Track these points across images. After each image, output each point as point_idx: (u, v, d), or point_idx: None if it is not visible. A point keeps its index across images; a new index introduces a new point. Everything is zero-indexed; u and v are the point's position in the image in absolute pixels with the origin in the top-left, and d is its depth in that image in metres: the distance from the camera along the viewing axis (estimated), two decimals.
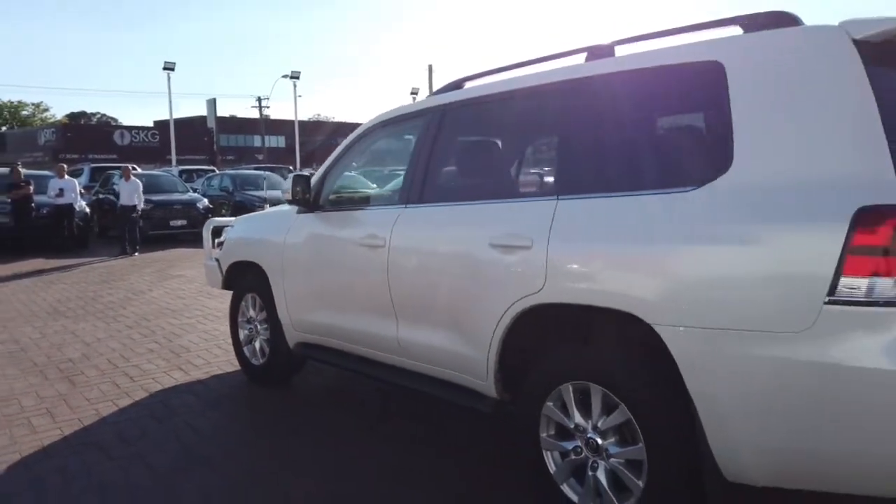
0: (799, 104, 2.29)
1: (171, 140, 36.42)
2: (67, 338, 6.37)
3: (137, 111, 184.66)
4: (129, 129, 54.60)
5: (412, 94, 39.03)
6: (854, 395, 2.03)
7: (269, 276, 4.56)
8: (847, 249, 2.01)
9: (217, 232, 5.55)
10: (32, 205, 13.46)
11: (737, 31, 2.58)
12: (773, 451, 2.22)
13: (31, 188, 13.48)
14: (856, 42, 2.23)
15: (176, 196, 15.92)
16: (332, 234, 4.06)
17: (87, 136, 53.71)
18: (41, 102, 73.81)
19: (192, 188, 18.04)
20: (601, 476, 2.69)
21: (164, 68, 34.15)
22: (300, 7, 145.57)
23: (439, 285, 3.33)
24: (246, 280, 4.92)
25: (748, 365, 2.21)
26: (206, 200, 16.10)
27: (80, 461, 3.58)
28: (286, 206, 4.59)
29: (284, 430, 4.02)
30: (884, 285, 1.99)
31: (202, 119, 53.73)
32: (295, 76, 34.01)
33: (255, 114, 50.51)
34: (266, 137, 65.35)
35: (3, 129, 66.44)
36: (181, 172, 23.68)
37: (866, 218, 2.00)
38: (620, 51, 2.98)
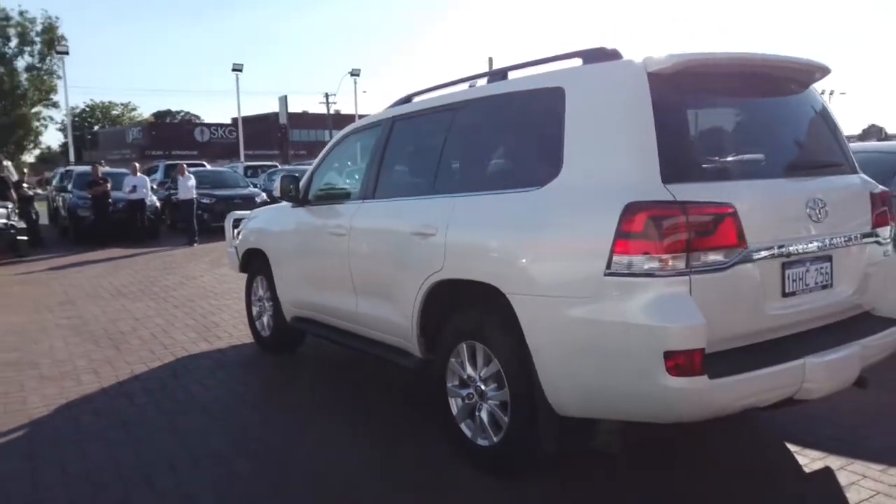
0: (604, 123, 2.92)
1: (240, 136, 38.39)
2: (123, 314, 7.48)
3: (218, 108, 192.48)
4: (209, 126, 57.37)
5: (471, 86, 39.41)
6: (619, 344, 2.67)
7: (270, 261, 5.43)
8: (617, 234, 2.66)
9: (237, 223, 6.48)
10: (110, 200, 14.97)
11: (578, 62, 3.21)
12: (576, 389, 2.88)
13: (109, 185, 14.99)
14: (650, 74, 2.84)
15: (237, 191, 17.27)
16: (313, 224, 4.88)
17: (170, 134, 56.89)
18: (129, 102, 78.39)
19: (254, 183, 19.40)
20: (484, 416, 3.40)
21: (233, 69, 36.09)
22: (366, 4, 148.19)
23: (382, 266, 4.09)
24: (255, 264, 5.81)
25: (558, 323, 2.88)
26: (264, 195, 17.33)
27: (110, 405, 4.54)
28: (286, 203, 5.44)
29: (272, 388, 4.89)
30: (639, 261, 2.62)
31: (276, 115, 55.93)
32: (355, 73, 35.41)
33: (324, 109, 52.38)
34: (335, 132, 67.18)
35: (96, 128, 70.99)
36: (246, 168, 25.25)
37: (629, 211, 2.64)
38: (512, 74, 3.66)
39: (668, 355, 2.56)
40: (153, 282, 9.70)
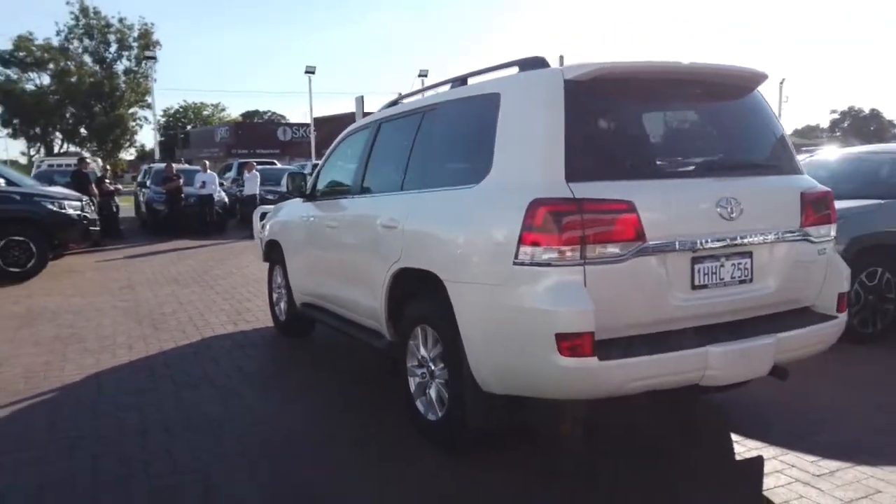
0: (525, 126, 3.19)
1: (312, 137, 39.72)
2: (170, 299, 8.20)
3: (303, 109, 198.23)
4: (291, 125, 59.30)
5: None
6: (523, 326, 2.96)
7: (283, 251, 5.93)
8: (522, 228, 2.94)
9: (264, 216, 7.03)
10: (182, 195, 16.07)
11: (515, 70, 3.49)
12: (494, 368, 3.17)
13: (181, 181, 16.09)
14: (566, 81, 3.10)
15: None
16: (315, 217, 5.33)
17: (255, 133, 59.13)
18: (219, 103, 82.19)
19: None
20: (433, 393, 3.73)
21: (306, 72, 37.45)
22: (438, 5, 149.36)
23: (360, 255, 4.48)
24: (274, 255, 6.33)
25: (479, 307, 3.18)
26: None
27: (132, 376, 5.13)
28: (298, 198, 5.91)
29: (279, 366, 5.38)
30: (540, 252, 2.89)
31: (351, 115, 57.34)
32: (423, 74, 36.13)
33: None
34: None
35: (189, 127, 74.84)
36: (313, 167, 26.24)
37: (532, 207, 2.91)
38: (472, 80, 3.97)
39: (560, 337, 2.83)
40: (206, 271, 10.47)
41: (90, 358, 5.61)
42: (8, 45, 44.92)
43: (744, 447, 3.73)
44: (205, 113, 79.63)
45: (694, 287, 3.15)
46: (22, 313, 7.50)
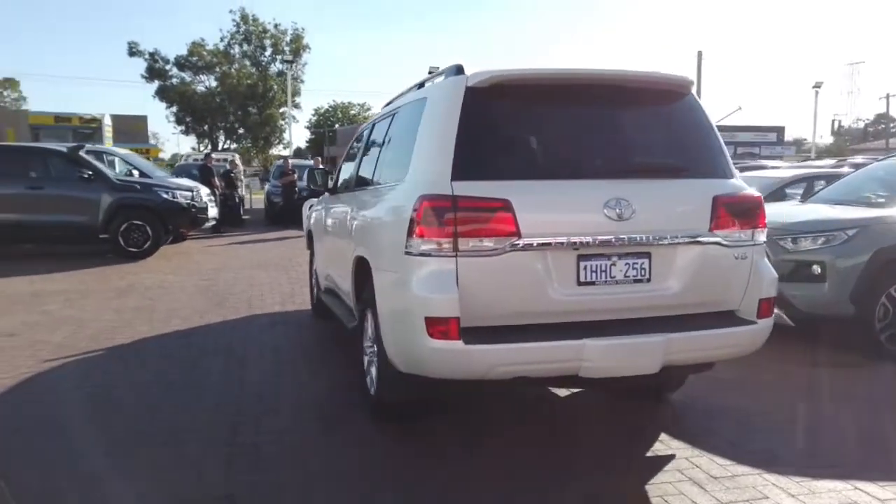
0: (433, 128, 3.49)
1: None
2: (245, 280, 9.14)
3: None
4: None
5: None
6: (406, 310, 3.28)
7: (314, 239, 6.54)
8: (410, 221, 3.26)
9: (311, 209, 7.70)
10: (296, 188, 17.40)
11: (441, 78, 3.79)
12: (395, 347, 3.50)
13: (296, 175, 17.42)
14: (468, 88, 3.38)
15: None
16: (328, 210, 5.87)
17: None
18: (365, 102, 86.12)
19: None
20: (372, 368, 4.12)
21: (429, 73, 38.58)
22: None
23: (342, 244, 4.95)
24: (311, 243, 6.97)
25: (384, 291, 3.55)
26: None
27: (170, 343, 5.94)
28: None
29: (301, 343, 5.99)
30: (421, 243, 3.19)
31: None
32: None
33: None
34: None
35: (336, 126, 79.17)
36: None
37: (419, 202, 3.22)
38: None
39: (429, 321, 3.13)
40: (292, 258, 11.42)
41: (147, 325, 6.53)
42: (184, 51, 49.86)
43: (664, 445, 3.80)
44: (352, 112, 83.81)
45: (580, 283, 3.31)
46: (122, 287, 8.71)
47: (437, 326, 3.12)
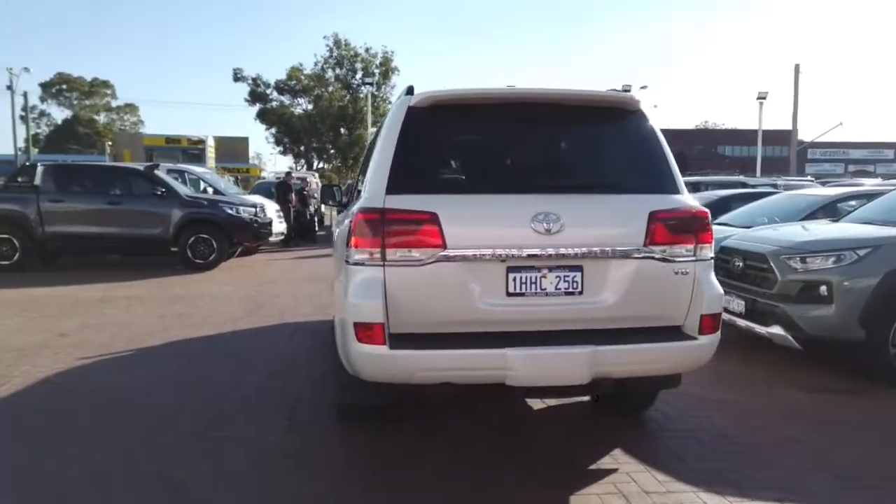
0: (381, 146, 3.69)
1: None
2: (287, 292, 9.61)
3: None
4: None
5: (759, 98, 36.46)
6: (342, 315, 3.49)
7: None
8: (349, 232, 3.48)
9: None
10: None
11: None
12: (342, 350, 3.70)
13: None
14: (409, 108, 3.58)
15: None
16: (340, 222, 6.18)
17: None
18: None
19: None
20: None
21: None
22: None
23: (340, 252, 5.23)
24: None
25: (336, 298, 3.81)
26: None
27: (193, 345, 6.41)
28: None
29: (314, 348, 6.31)
30: (356, 253, 3.40)
31: None
32: (626, 89, 35.39)
33: None
34: None
35: None
36: None
37: (357, 215, 3.43)
38: None
39: (357, 326, 3.33)
40: None
41: (179, 330, 7.05)
42: (283, 76, 52.55)
43: (612, 459, 3.82)
44: None
45: (509, 294, 3.41)
46: (178, 295, 9.37)
47: (364, 331, 3.32)
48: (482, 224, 3.42)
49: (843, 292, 5.15)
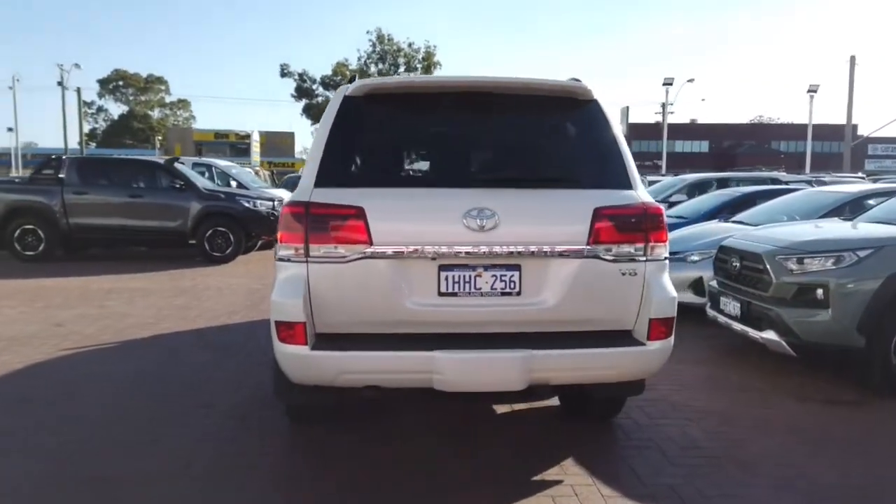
0: (316, 137, 3.54)
1: None
2: None
3: None
4: None
5: (810, 91, 34.96)
6: (271, 314, 3.34)
7: None
8: (278, 227, 3.33)
9: None
10: None
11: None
12: (273, 350, 3.57)
13: None
14: (345, 97, 3.41)
15: None
16: None
17: None
18: None
19: None
20: None
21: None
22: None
23: None
24: None
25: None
26: None
27: (185, 338, 6.39)
28: None
29: None
30: (281, 248, 3.25)
31: None
32: (668, 83, 34.45)
33: (679, 118, 51.21)
34: (689, 143, 65.30)
35: None
36: None
37: (284, 209, 3.29)
38: None
39: (278, 325, 3.20)
40: None
41: (172, 322, 7.05)
42: (329, 71, 52.87)
43: (561, 470, 3.60)
44: None
45: (441, 294, 3.22)
46: (184, 288, 9.43)
47: (286, 330, 3.18)
48: (411, 220, 3.23)
49: (841, 296, 4.78)
